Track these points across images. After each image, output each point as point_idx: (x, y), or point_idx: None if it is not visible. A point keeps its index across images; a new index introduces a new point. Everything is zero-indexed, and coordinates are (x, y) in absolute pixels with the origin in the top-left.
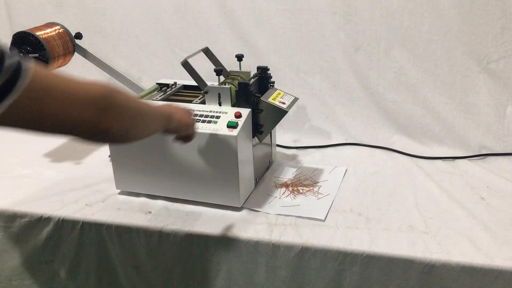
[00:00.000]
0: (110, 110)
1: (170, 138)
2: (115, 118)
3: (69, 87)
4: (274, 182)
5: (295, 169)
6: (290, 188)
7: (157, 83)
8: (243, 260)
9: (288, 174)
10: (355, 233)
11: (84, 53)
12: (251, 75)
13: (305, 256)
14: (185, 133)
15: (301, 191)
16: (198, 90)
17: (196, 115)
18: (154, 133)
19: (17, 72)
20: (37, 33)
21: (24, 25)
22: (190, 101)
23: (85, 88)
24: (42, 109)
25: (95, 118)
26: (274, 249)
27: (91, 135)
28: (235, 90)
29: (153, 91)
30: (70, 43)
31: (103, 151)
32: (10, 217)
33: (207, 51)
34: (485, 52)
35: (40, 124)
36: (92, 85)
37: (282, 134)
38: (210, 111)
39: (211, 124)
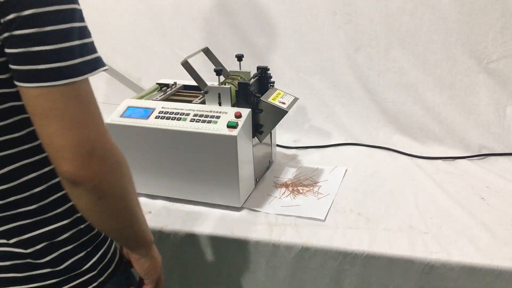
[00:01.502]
0: (100, 160)
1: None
2: (97, 177)
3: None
4: (274, 182)
5: (295, 169)
6: (290, 188)
7: (157, 83)
8: (243, 260)
9: (288, 174)
10: (355, 233)
11: None
12: (251, 75)
13: (305, 256)
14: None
15: (301, 191)
16: (198, 90)
17: (196, 115)
18: (130, 238)
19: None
20: None
21: None
22: (190, 101)
23: (88, 131)
24: (35, 112)
25: (82, 162)
26: (274, 249)
27: (62, 172)
28: (235, 90)
29: (153, 91)
30: None
31: None
32: None
33: (207, 51)
34: (485, 52)
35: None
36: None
37: (282, 134)
38: (210, 111)
39: (211, 124)
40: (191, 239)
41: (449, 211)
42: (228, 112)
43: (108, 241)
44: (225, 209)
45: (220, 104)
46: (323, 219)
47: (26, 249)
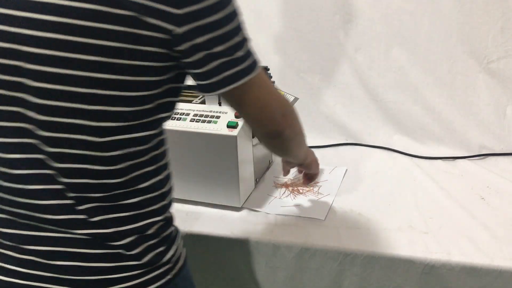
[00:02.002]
0: (288, 118)
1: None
2: (289, 125)
3: (271, 89)
4: (274, 182)
5: (295, 169)
6: (290, 188)
7: None
8: (243, 260)
9: (288, 174)
10: (355, 233)
11: None
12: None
13: (305, 256)
14: (310, 171)
15: (301, 191)
16: None
17: (196, 115)
18: (298, 157)
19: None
20: None
21: None
22: (190, 101)
23: (277, 95)
24: (249, 98)
25: (279, 122)
26: (274, 249)
27: (268, 132)
28: None
29: None
30: None
31: None
32: None
33: None
34: (485, 52)
35: (241, 109)
36: (282, 96)
37: None
38: (210, 111)
39: (211, 124)
40: (191, 239)
41: (449, 211)
42: (228, 112)
43: (180, 237)
44: (225, 209)
45: (220, 104)
46: (323, 219)
47: (120, 240)
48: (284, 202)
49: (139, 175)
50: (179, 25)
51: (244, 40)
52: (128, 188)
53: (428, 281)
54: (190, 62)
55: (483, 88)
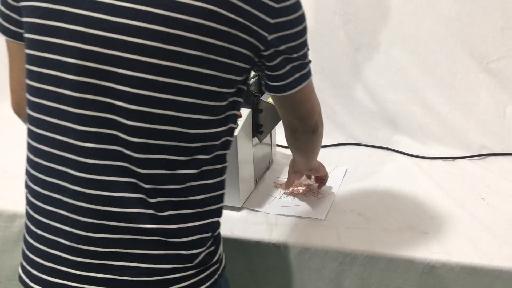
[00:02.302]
0: (321, 116)
1: None
2: (321, 122)
3: (314, 90)
4: (274, 182)
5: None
6: (290, 188)
7: None
8: (243, 260)
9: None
10: (355, 233)
11: None
12: (251, 75)
13: (305, 256)
14: (320, 174)
15: (301, 191)
16: None
17: None
18: (314, 159)
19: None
20: None
21: None
22: None
23: (316, 96)
24: (305, 98)
25: (317, 119)
26: (274, 249)
27: (309, 127)
28: None
29: None
30: None
31: None
32: (10, 217)
33: None
34: (485, 52)
35: (295, 109)
36: (318, 101)
37: (282, 134)
38: None
39: None
40: None
41: (449, 211)
42: None
43: (221, 240)
44: (225, 209)
45: None
46: (323, 219)
47: (182, 237)
48: (284, 202)
49: (207, 170)
50: (270, 32)
51: (308, 48)
52: (197, 181)
53: (428, 281)
54: (270, 66)
55: (483, 88)
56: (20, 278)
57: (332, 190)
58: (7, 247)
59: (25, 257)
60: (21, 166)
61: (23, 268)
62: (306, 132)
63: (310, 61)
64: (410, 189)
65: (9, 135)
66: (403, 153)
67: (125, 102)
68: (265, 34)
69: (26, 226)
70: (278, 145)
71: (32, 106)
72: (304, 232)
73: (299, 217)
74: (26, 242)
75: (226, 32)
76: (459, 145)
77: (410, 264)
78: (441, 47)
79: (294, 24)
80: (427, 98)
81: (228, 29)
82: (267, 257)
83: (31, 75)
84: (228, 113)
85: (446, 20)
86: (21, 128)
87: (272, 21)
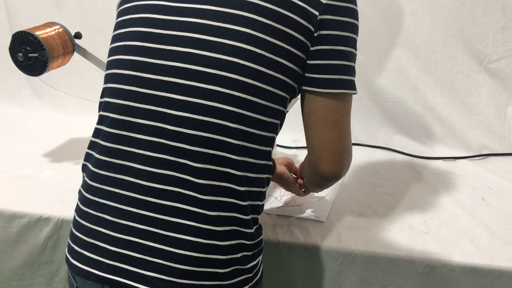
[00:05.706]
0: (349, 161)
1: None
2: (347, 168)
3: (349, 125)
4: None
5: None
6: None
7: None
8: None
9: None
10: (355, 233)
11: (84, 53)
12: None
13: (305, 256)
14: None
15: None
16: None
17: None
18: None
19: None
20: (37, 33)
21: (23, 25)
22: None
23: (350, 135)
24: (337, 113)
25: (344, 161)
26: (274, 249)
27: (332, 173)
28: None
29: None
30: (70, 43)
31: None
32: (10, 217)
33: None
34: (485, 52)
35: (322, 130)
36: (350, 138)
37: (282, 134)
38: None
39: None
40: None
41: (450, 211)
42: None
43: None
44: None
45: None
46: (324, 219)
47: (224, 241)
48: (284, 202)
49: (252, 163)
50: (318, 29)
51: (356, 55)
52: (241, 172)
53: (428, 282)
54: (314, 50)
55: (483, 88)
56: (66, 258)
57: (332, 190)
58: (7, 247)
59: (71, 235)
60: (21, 166)
61: (68, 246)
62: (324, 179)
63: (355, 70)
64: (410, 189)
65: (9, 135)
66: (403, 153)
67: None
68: (313, 28)
69: (76, 207)
70: (278, 145)
71: None
72: (304, 232)
73: (299, 217)
74: (74, 222)
75: (284, 32)
76: (459, 145)
77: (410, 264)
78: (441, 47)
79: (344, 16)
80: (427, 98)
81: (284, 29)
82: (267, 257)
83: None
84: (276, 120)
85: (446, 20)
86: (20, 128)
87: (319, 17)
